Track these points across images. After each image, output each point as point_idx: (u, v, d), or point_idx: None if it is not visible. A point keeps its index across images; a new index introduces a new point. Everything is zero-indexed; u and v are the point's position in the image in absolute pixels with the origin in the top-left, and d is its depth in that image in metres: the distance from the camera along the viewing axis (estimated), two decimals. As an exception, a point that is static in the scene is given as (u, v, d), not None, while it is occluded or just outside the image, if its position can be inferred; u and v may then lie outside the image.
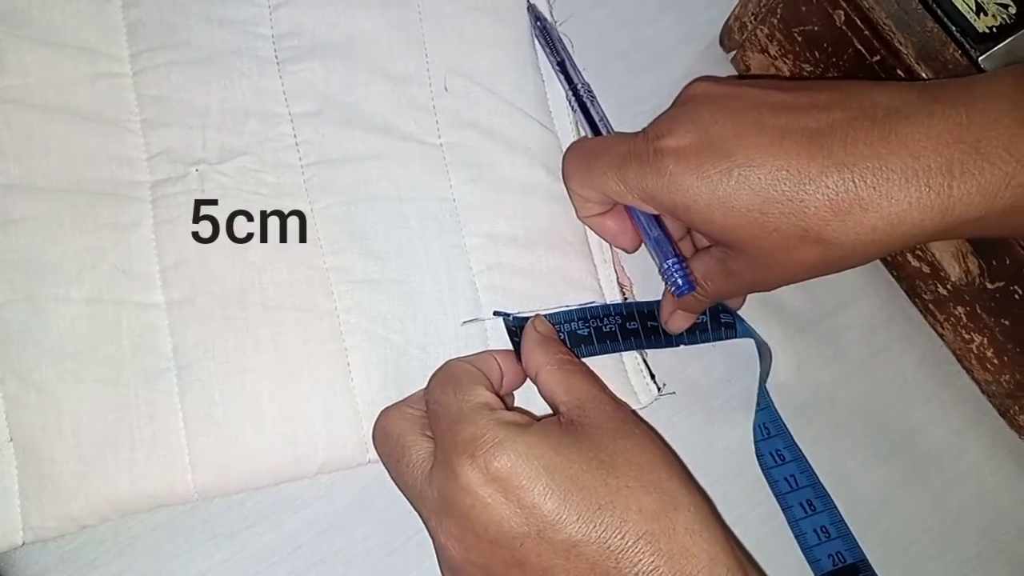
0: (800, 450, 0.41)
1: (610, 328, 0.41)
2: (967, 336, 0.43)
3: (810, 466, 0.40)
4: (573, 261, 0.42)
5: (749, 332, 0.42)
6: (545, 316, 0.40)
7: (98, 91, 0.39)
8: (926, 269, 0.42)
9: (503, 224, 0.41)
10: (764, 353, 0.42)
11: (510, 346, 0.40)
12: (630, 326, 0.41)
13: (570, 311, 0.40)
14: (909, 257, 0.43)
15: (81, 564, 0.37)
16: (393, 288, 0.40)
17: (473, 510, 0.30)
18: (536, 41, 0.44)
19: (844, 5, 0.38)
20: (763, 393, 0.41)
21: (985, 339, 0.42)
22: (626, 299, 0.42)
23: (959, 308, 0.42)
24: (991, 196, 0.31)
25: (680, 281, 0.38)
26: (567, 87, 0.43)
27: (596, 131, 0.42)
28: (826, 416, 0.43)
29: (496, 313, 0.40)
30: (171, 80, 0.40)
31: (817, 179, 0.32)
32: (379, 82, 0.42)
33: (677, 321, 0.40)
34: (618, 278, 0.42)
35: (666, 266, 0.38)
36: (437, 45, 0.43)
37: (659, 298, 0.41)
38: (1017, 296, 0.39)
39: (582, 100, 0.42)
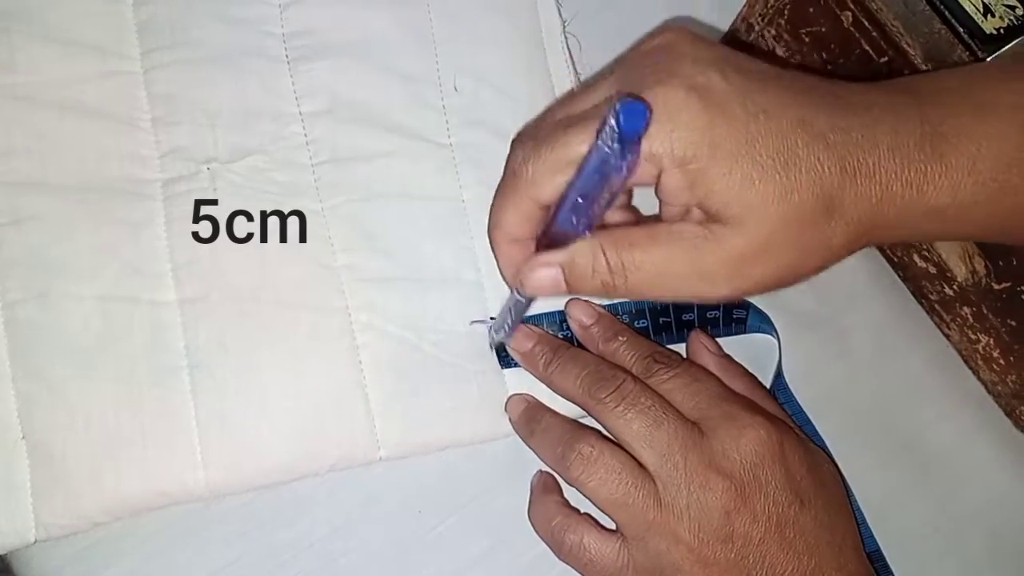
0: (823, 440, 0.41)
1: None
2: (973, 336, 0.43)
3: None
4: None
5: (760, 326, 0.42)
6: (539, 317, 0.40)
7: (109, 89, 0.40)
8: (932, 270, 0.43)
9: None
10: (779, 344, 0.42)
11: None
12: (639, 324, 0.41)
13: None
14: (915, 257, 0.43)
15: (93, 562, 0.37)
16: (404, 286, 0.40)
17: None
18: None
19: (852, 6, 0.39)
20: (782, 386, 0.42)
21: (991, 339, 0.42)
22: None
23: (965, 308, 0.42)
24: (955, 184, 0.31)
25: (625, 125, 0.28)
26: None
27: None
28: (833, 416, 0.43)
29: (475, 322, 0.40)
30: (182, 79, 0.40)
31: (829, 137, 0.30)
32: (389, 81, 0.42)
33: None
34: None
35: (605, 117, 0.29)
36: (447, 45, 0.43)
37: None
38: (1023, 296, 0.39)
39: None
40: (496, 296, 0.41)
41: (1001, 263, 0.39)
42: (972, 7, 0.37)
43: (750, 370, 0.41)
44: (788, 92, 0.31)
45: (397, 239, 0.40)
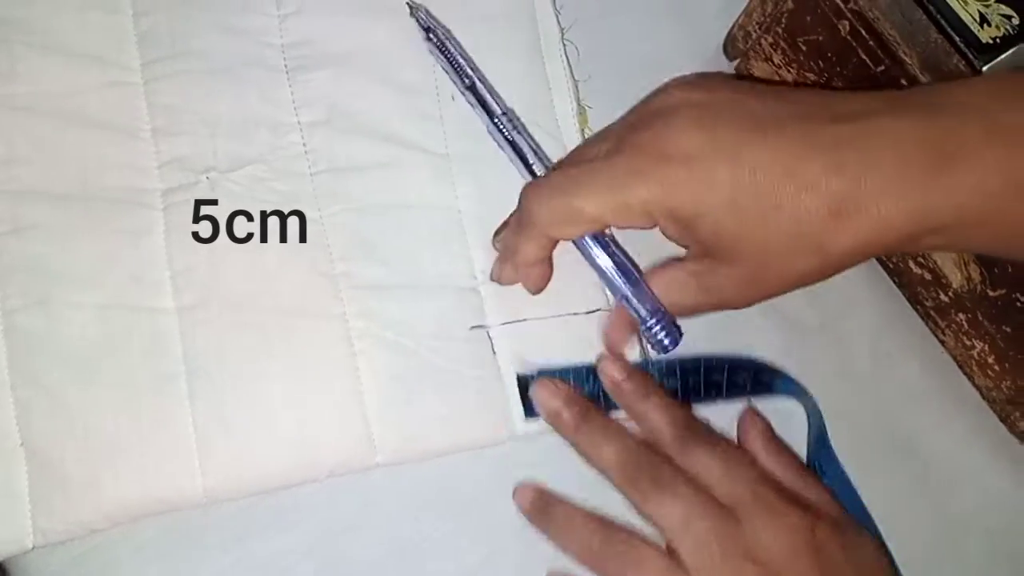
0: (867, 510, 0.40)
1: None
2: (968, 342, 0.43)
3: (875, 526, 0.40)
4: (577, 268, 0.42)
5: (791, 390, 0.42)
6: (566, 371, 0.40)
7: (109, 99, 0.40)
8: (928, 276, 0.43)
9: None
10: (813, 413, 0.42)
11: (515, 351, 0.40)
12: (668, 384, 0.40)
13: (593, 367, 0.40)
14: (911, 264, 0.43)
15: (91, 568, 0.37)
16: (401, 293, 0.40)
17: None
18: (436, 60, 0.38)
19: (849, 15, 0.39)
20: (829, 457, 0.41)
21: (986, 345, 0.42)
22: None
23: (960, 315, 0.43)
24: (959, 205, 0.32)
25: (667, 341, 0.37)
26: (484, 114, 0.37)
27: (526, 162, 0.38)
28: (828, 423, 0.43)
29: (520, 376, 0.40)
30: (182, 89, 0.40)
31: (818, 184, 0.32)
32: (387, 91, 0.42)
33: (620, 341, 0.40)
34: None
35: (651, 323, 0.37)
36: (444, 55, 0.43)
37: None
38: (1019, 304, 0.39)
39: (507, 129, 0.38)
40: (493, 303, 0.41)
41: (996, 270, 0.39)
42: (968, 17, 0.37)
43: (780, 428, 0.41)
44: (782, 137, 0.33)
45: (394, 247, 0.41)
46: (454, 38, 0.41)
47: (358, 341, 0.39)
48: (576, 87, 0.45)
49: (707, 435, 0.37)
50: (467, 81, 0.35)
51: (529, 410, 0.40)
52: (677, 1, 0.48)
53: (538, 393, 0.39)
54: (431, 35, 0.35)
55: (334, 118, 0.41)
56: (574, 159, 0.38)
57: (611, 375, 0.39)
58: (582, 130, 0.44)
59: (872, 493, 0.42)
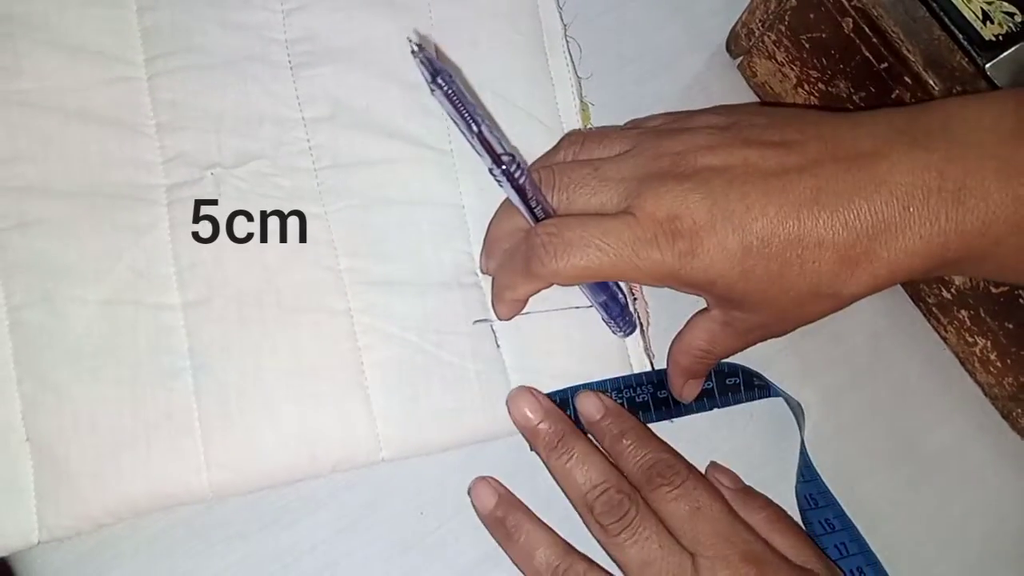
0: (850, 519, 0.41)
1: (643, 398, 0.41)
2: (970, 339, 0.43)
3: (860, 534, 0.40)
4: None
5: (780, 392, 0.42)
6: (568, 390, 0.40)
7: (114, 95, 0.40)
8: (930, 273, 0.43)
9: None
10: (799, 414, 0.42)
11: (520, 345, 0.41)
12: (661, 395, 0.41)
13: (603, 381, 0.41)
14: (914, 261, 0.44)
15: (96, 564, 0.37)
16: (406, 289, 0.40)
17: None
18: (441, 105, 0.34)
19: (852, 13, 0.39)
20: (807, 465, 0.41)
21: (988, 342, 0.42)
22: (635, 299, 0.42)
23: (963, 312, 0.43)
24: (967, 244, 0.32)
25: (623, 326, 0.41)
26: (493, 164, 0.35)
27: (531, 210, 0.37)
28: (830, 419, 0.43)
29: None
30: (186, 85, 0.40)
31: (826, 239, 0.33)
32: (391, 87, 0.42)
33: (690, 390, 0.41)
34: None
35: (615, 323, 0.41)
36: (448, 51, 0.43)
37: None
38: (1021, 300, 0.39)
39: (517, 178, 0.36)
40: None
41: (999, 268, 0.40)
42: (971, 14, 0.37)
43: (778, 432, 0.42)
44: (788, 197, 0.33)
45: (399, 243, 0.41)
46: (462, 79, 0.41)
47: (363, 336, 0.39)
48: (579, 83, 0.45)
49: (678, 479, 0.37)
50: (475, 128, 0.34)
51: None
52: (680, -2, 0.49)
53: (515, 403, 0.39)
54: (440, 79, 0.33)
55: (338, 114, 0.41)
56: (582, 152, 0.39)
57: (587, 413, 0.39)
58: (584, 126, 0.44)
59: (873, 490, 0.43)
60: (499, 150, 0.35)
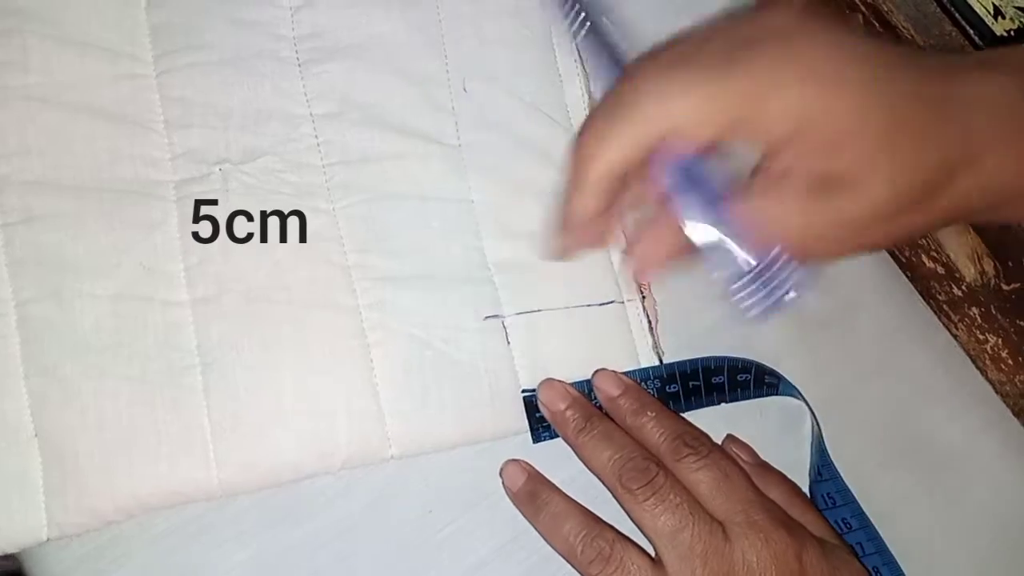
0: (867, 517, 0.40)
1: (651, 393, 0.40)
2: (981, 337, 0.43)
3: (878, 533, 0.40)
4: (592, 260, 0.42)
5: (792, 391, 0.42)
6: (583, 383, 0.40)
7: (122, 91, 0.40)
8: (941, 270, 0.43)
9: (520, 225, 0.42)
10: (814, 413, 0.42)
11: (530, 342, 0.40)
12: (670, 389, 0.41)
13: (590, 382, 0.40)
14: (924, 258, 0.43)
15: (105, 560, 0.37)
16: (415, 285, 0.40)
17: None
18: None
19: (863, 8, 0.39)
20: (826, 464, 0.41)
21: (1000, 339, 0.42)
22: (643, 297, 0.42)
23: (974, 309, 0.43)
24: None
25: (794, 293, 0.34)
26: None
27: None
28: (841, 416, 0.43)
29: (525, 391, 0.40)
30: (194, 81, 0.40)
31: (943, 107, 0.31)
32: (399, 83, 0.42)
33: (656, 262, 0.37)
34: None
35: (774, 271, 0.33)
36: (456, 47, 0.43)
37: (695, 356, 0.41)
38: (1033, 297, 0.39)
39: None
40: (507, 294, 0.41)
41: (1011, 264, 0.39)
42: (983, 9, 0.37)
43: (787, 427, 0.42)
44: (898, 60, 0.32)
45: (407, 239, 0.41)
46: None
47: (372, 333, 0.39)
48: (587, 79, 0.45)
49: (703, 449, 0.37)
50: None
51: (536, 435, 0.40)
52: (685, -5, 0.48)
53: (544, 394, 0.39)
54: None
55: (346, 110, 0.41)
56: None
57: (606, 390, 0.39)
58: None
59: (884, 488, 0.42)
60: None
